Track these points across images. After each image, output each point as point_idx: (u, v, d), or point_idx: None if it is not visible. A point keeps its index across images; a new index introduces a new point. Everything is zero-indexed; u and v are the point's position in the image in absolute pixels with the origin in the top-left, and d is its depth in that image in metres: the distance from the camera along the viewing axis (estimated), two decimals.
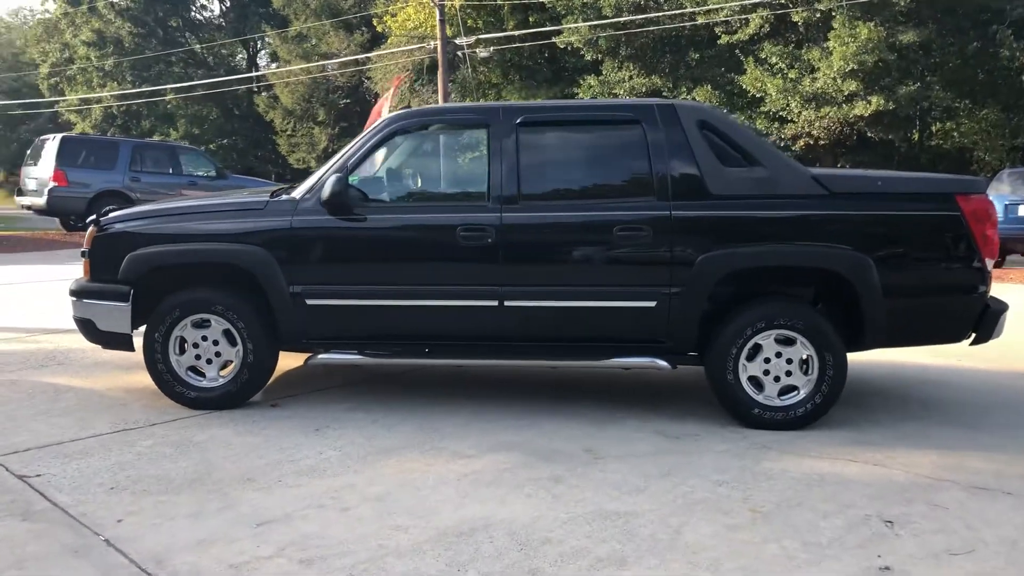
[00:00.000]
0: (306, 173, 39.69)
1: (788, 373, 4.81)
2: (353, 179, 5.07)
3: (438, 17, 25.73)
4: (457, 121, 5.08)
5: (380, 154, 5.11)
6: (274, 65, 41.98)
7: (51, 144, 18.67)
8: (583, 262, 4.86)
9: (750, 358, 4.81)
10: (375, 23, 33.23)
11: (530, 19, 27.94)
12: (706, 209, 4.77)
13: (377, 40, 33.28)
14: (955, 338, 4.93)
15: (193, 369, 5.14)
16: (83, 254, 5.22)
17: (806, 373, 4.79)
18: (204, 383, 5.13)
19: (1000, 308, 4.83)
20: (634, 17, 23.59)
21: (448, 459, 4.30)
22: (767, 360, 4.81)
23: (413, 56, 29.73)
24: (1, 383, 5.70)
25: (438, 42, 26.03)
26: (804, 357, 4.79)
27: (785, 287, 5.06)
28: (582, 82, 25.57)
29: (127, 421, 4.88)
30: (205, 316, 5.06)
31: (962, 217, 4.63)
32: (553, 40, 25.67)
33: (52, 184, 18.09)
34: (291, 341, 5.07)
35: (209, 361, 5.12)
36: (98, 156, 18.97)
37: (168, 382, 5.12)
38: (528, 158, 4.92)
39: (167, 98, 40.20)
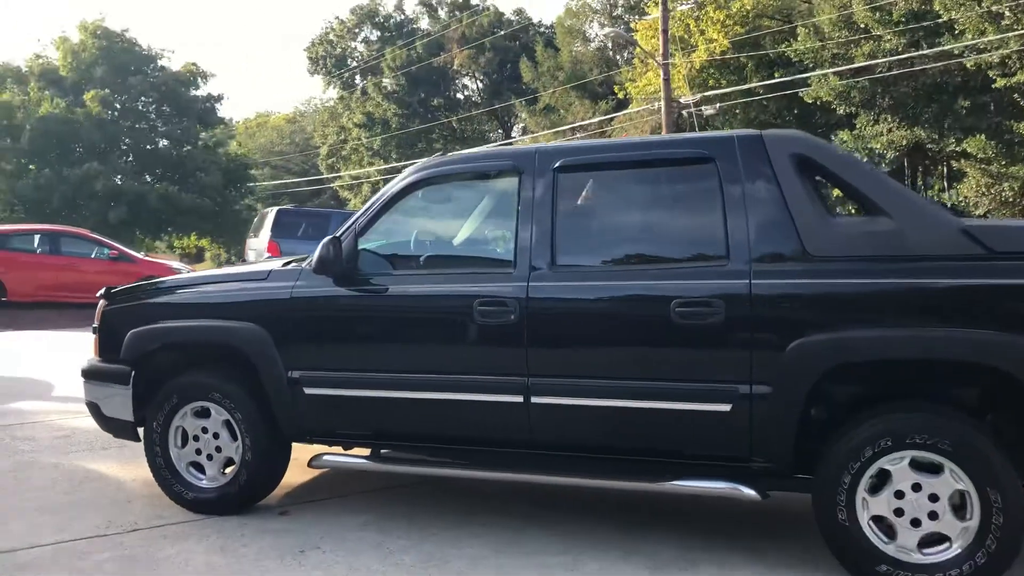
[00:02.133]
0: None
1: (933, 516, 3.26)
2: (376, 243, 4.19)
3: (662, 76, 24.78)
4: (484, 170, 4.05)
5: (400, 212, 4.17)
6: (527, 138, 43.07)
7: (269, 216, 19.62)
8: (631, 348, 3.63)
9: (874, 490, 3.33)
10: (616, 90, 32.96)
11: (775, 75, 26.30)
12: (801, 276, 3.40)
13: (621, 107, 33.07)
14: None
15: (195, 465, 4.41)
16: (93, 330, 4.70)
17: (962, 517, 3.22)
18: (204, 482, 4.38)
19: None
20: (892, 67, 21.32)
21: None
22: (899, 495, 3.29)
23: (647, 119, 29.07)
24: (41, 466, 5.28)
25: (662, 103, 25.08)
26: (958, 493, 3.24)
27: (928, 389, 3.52)
28: (834, 138, 23.69)
29: (111, 524, 4.22)
30: (205, 404, 4.33)
31: None
32: (800, 94, 23.98)
33: (267, 255, 18.90)
34: (292, 436, 4.22)
35: (210, 457, 4.37)
36: (313, 227, 19.64)
37: (167, 479, 4.42)
38: (567, 213, 3.80)
39: None
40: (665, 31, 24.04)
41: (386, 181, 46.91)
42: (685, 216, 3.74)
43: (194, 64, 35.49)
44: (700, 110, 27.74)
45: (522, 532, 4.04)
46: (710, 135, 3.77)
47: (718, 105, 27.69)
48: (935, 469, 3.25)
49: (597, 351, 3.67)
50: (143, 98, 34.59)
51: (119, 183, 31.62)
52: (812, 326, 3.34)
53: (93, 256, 17.33)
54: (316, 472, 4.92)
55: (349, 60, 48.19)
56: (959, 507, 3.24)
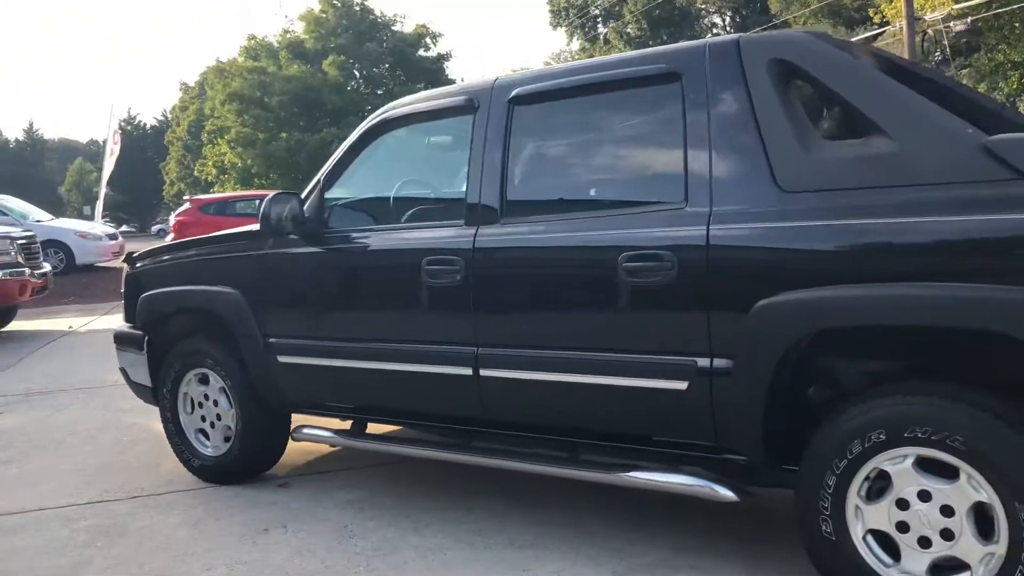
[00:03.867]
0: None
1: (948, 534, 2.42)
2: (346, 196, 3.82)
3: None
4: (443, 108, 3.49)
5: (364, 161, 3.75)
6: None
7: None
8: (580, 312, 3.02)
9: (872, 497, 2.54)
10: (871, 13, 30.03)
11: None
12: (767, 219, 2.62)
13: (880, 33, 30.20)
14: None
15: (203, 432, 4.31)
16: (121, 295, 4.71)
17: (986, 539, 2.37)
18: (208, 450, 4.27)
19: None
20: None
21: None
22: (903, 505, 2.48)
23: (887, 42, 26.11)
24: (119, 427, 5.45)
25: (903, 21, 22.24)
26: (978, 506, 2.38)
27: (948, 365, 2.63)
28: None
29: (120, 489, 4.24)
30: (204, 371, 4.20)
31: None
32: None
33: None
34: (273, 406, 3.97)
35: (212, 425, 4.25)
36: None
37: (177, 446, 4.37)
38: (520, 151, 3.22)
39: None
40: None
41: None
42: (645, 149, 3.04)
43: (424, 26, 36.58)
44: (948, 27, 24.42)
45: (499, 520, 3.56)
46: (679, 46, 3.01)
47: (969, 19, 24.26)
48: (949, 473, 2.41)
49: (546, 316, 3.09)
50: (380, 65, 36.19)
51: None
52: (780, 283, 2.56)
53: None
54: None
55: (592, 9, 47.17)
56: (982, 524, 2.39)
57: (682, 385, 2.75)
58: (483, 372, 3.18)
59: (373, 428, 4.02)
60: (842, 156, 2.57)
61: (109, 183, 27.31)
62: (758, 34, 2.87)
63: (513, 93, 3.22)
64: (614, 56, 3.17)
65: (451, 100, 3.43)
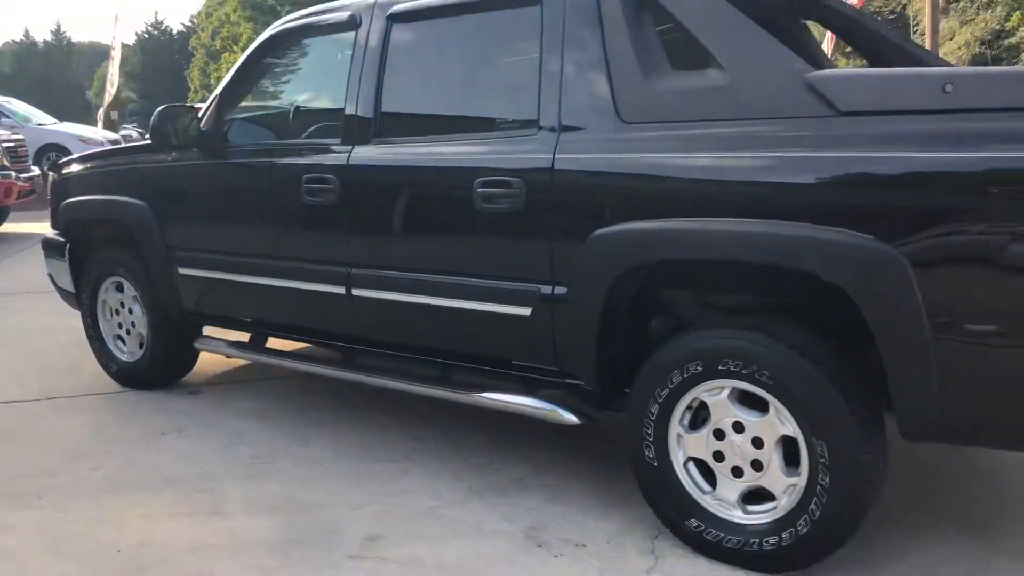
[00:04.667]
0: None
1: (758, 465, 2.49)
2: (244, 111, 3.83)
3: None
4: (330, 23, 3.45)
5: (259, 77, 3.74)
6: None
7: None
8: (440, 236, 3.05)
9: (694, 425, 2.60)
10: None
11: None
12: (604, 149, 2.62)
13: None
14: None
15: (121, 339, 4.42)
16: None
17: (793, 471, 2.43)
18: (124, 356, 4.39)
19: None
20: None
21: (209, 524, 2.97)
22: (719, 435, 2.54)
23: None
24: (71, 329, 5.55)
25: None
26: (785, 439, 2.44)
27: (778, 299, 2.65)
28: None
29: (41, 391, 4.37)
30: (119, 279, 4.28)
31: None
32: None
33: None
34: (177, 316, 4.06)
35: (128, 332, 4.36)
36: None
37: (97, 351, 4.50)
38: (395, 71, 3.20)
39: None
40: None
41: None
42: (506, 72, 3.03)
43: None
44: None
45: (384, 434, 3.66)
46: None
47: None
48: (761, 406, 2.45)
49: (409, 239, 3.11)
50: None
51: None
52: (614, 213, 2.57)
53: None
54: None
55: None
56: (790, 456, 2.44)
57: (526, 311, 2.80)
58: (355, 292, 3.24)
59: (278, 343, 4.10)
60: (680, 88, 2.54)
61: (119, 92, 27.13)
62: None
63: (391, 10, 3.19)
64: None
65: (337, 16, 3.39)
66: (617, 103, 2.60)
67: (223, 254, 3.69)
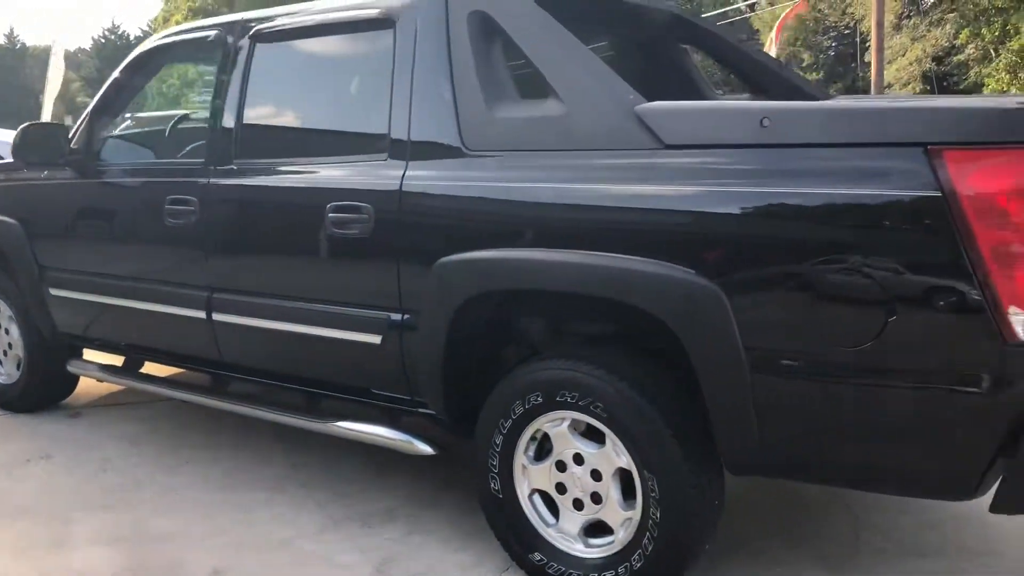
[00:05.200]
0: None
1: (597, 498, 2.46)
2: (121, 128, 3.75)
3: None
4: (193, 43, 3.40)
5: (131, 93, 3.67)
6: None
7: None
8: (292, 260, 3.00)
9: (539, 456, 2.56)
10: None
11: None
12: (449, 177, 2.59)
13: None
14: (934, 489, 2.14)
15: None
16: None
17: (629, 502, 2.41)
18: (2, 378, 4.26)
19: None
20: None
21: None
22: (561, 466, 2.51)
23: None
24: None
25: None
26: (622, 472, 2.41)
27: (610, 331, 2.64)
28: None
29: None
30: None
31: (946, 206, 1.86)
32: None
33: None
34: (52, 339, 3.95)
35: (5, 352, 4.23)
36: None
37: None
38: (256, 91, 3.15)
39: None
40: None
41: None
42: (361, 96, 2.99)
43: None
44: None
45: (260, 461, 3.58)
46: None
47: None
48: (599, 438, 2.43)
49: (264, 263, 3.07)
50: None
51: None
52: (456, 242, 2.54)
53: None
54: None
55: None
56: (628, 489, 2.42)
57: (376, 339, 2.75)
58: (215, 316, 3.17)
59: (156, 367, 4.00)
60: (521, 117, 2.52)
61: (74, 96, 26.62)
62: None
63: (254, 30, 3.13)
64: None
65: (205, 34, 3.33)
66: (461, 131, 2.57)
67: (91, 275, 3.60)
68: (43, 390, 4.17)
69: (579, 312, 2.60)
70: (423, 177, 2.62)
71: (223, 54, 3.22)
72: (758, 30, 34.55)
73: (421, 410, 2.82)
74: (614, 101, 2.35)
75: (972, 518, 2.94)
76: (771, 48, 21.44)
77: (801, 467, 2.23)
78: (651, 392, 2.31)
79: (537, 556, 2.55)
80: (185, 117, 3.79)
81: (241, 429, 3.91)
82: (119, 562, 2.77)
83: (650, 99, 2.33)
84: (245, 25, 3.18)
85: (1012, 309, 1.84)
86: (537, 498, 2.58)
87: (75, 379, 4.24)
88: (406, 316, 2.68)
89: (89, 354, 4.10)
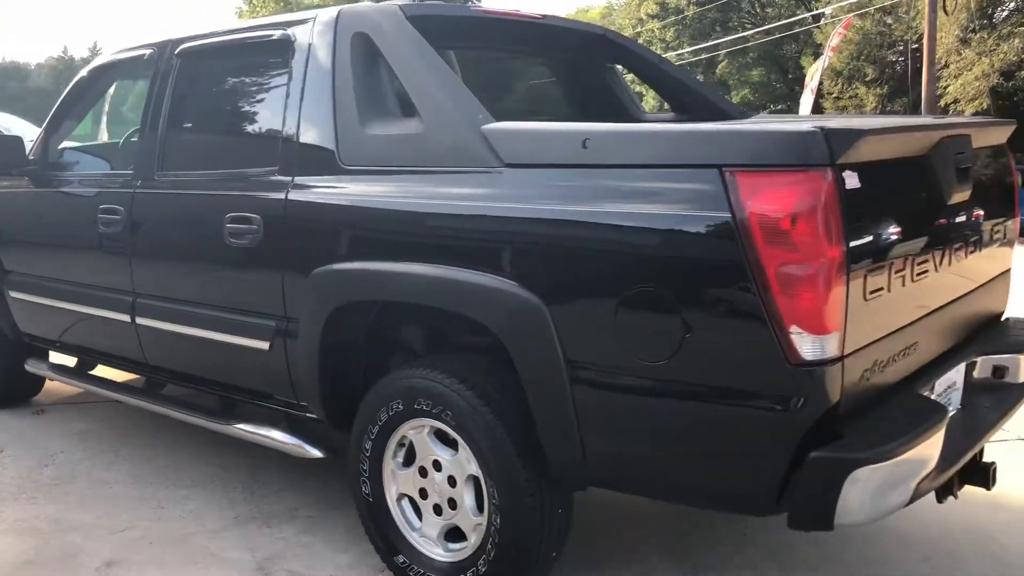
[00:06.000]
0: None
1: (452, 503, 2.54)
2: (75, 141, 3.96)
3: None
4: (138, 59, 3.57)
5: (81, 109, 3.89)
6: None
7: None
8: (198, 267, 3.16)
9: (407, 462, 2.65)
10: None
11: None
12: (325, 193, 2.70)
13: None
14: (732, 502, 2.17)
15: None
16: None
17: (481, 508, 2.48)
18: None
19: (860, 457, 1.92)
20: None
21: None
22: (424, 472, 2.59)
23: None
24: None
25: None
26: (473, 479, 2.49)
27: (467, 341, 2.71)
28: None
29: None
30: None
31: (735, 227, 1.91)
32: None
33: None
34: (15, 339, 4.17)
35: None
36: None
37: None
38: (176, 106, 3.31)
39: (719, 66, 39.27)
40: None
41: None
42: (261, 113, 3.11)
43: None
44: None
45: (193, 459, 3.74)
46: (301, 13, 3.04)
47: None
48: (455, 445, 2.51)
49: (175, 270, 3.23)
50: None
51: None
52: (330, 254, 2.65)
53: None
54: None
55: None
56: (479, 496, 2.49)
57: (265, 345, 2.87)
58: (138, 320, 3.33)
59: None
60: (388, 135, 2.62)
61: None
62: (359, 5, 2.88)
63: (178, 49, 3.30)
64: (258, 20, 3.22)
65: (143, 51, 3.51)
66: (339, 147, 2.68)
67: (41, 279, 3.81)
68: (9, 387, 4.38)
69: (438, 323, 2.69)
70: (305, 191, 2.74)
71: (154, 71, 3.39)
72: (820, 43, 33.88)
73: (309, 415, 2.93)
74: (465, 120, 2.44)
75: (855, 534, 2.93)
76: (825, 62, 21.12)
77: (624, 480, 2.28)
78: (496, 403, 2.38)
79: (401, 558, 2.63)
80: (122, 131, 3.99)
81: (184, 430, 4.05)
82: (21, 550, 2.94)
83: (570, 118, 2.42)
84: (174, 44, 3.34)
85: (794, 329, 1.87)
86: (406, 503, 2.67)
87: (42, 378, 4.45)
88: (290, 323, 2.80)
89: (55, 355, 4.31)
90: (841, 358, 1.91)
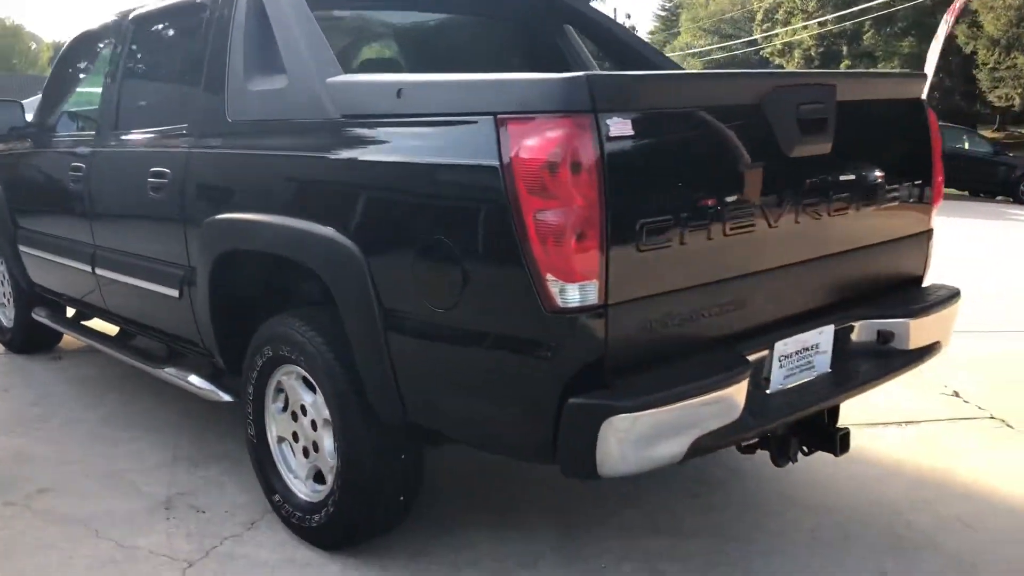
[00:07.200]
0: (1008, 112, 32.10)
1: (316, 446, 2.65)
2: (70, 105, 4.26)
3: None
4: (105, 30, 3.80)
5: (71, 76, 4.19)
6: None
7: None
8: (132, 219, 3.40)
9: (286, 407, 2.78)
10: None
11: None
12: (213, 146, 2.86)
13: None
14: (520, 450, 2.17)
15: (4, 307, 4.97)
16: None
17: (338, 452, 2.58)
18: (8, 324, 4.93)
19: (638, 401, 1.89)
20: None
21: None
22: (295, 416, 2.71)
23: None
24: None
25: None
26: (328, 422, 2.59)
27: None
28: None
29: None
30: None
31: (501, 174, 1.92)
32: None
33: None
34: (29, 291, 4.53)
35: (4, 304, 4.90)
36: None
37: None
38: (129, 70, 3.55)
39: (864, 36, 37.54)
40: None
41: (818, 47, 40.23)
42: (180, 75, 3.29)
43: None
44: None
45: (162, 405, 3.95)
46: None
47: None
48: (315, 390, 2.61)
49: (119, 223, 3.47)
50: None
51: None
52: (217, 205, 2.79)
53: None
54: None
55: None
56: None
57: (175, 292, 3.05)
58: (97, 271, 3.59)
59: None
60: (263, 90, 2.72)
61: None
62: None
63: (131, 15, 3.52)
64: None
65: (112, 19, 3.76)
66: (227, 104, 2.81)
67: (38, 234, 4.14)
68: (31, 335, 4.77)
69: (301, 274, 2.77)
70: (203, 146, 2.89)
71: (116, 37, 3.63)
72: (976, 10, 31.50)
73: (214, 360, 3.09)
74: (318, 75, 2.51)
75: (757, 503, 2.86)
76: (945, 28, 19.88)
77: (443, 428, 2.31)
78: (339, 350, 2.45)
79: (277, 496, 2.77)
80: (97, 95, 4.24)
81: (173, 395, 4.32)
82: None
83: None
84: (130, 12, 3.56)
85: (549, 276, 1.87)
86: (285, 445, 2.79)
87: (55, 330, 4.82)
88: (192, 273, 2.96)
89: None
90: (603, 307, 1.89)
